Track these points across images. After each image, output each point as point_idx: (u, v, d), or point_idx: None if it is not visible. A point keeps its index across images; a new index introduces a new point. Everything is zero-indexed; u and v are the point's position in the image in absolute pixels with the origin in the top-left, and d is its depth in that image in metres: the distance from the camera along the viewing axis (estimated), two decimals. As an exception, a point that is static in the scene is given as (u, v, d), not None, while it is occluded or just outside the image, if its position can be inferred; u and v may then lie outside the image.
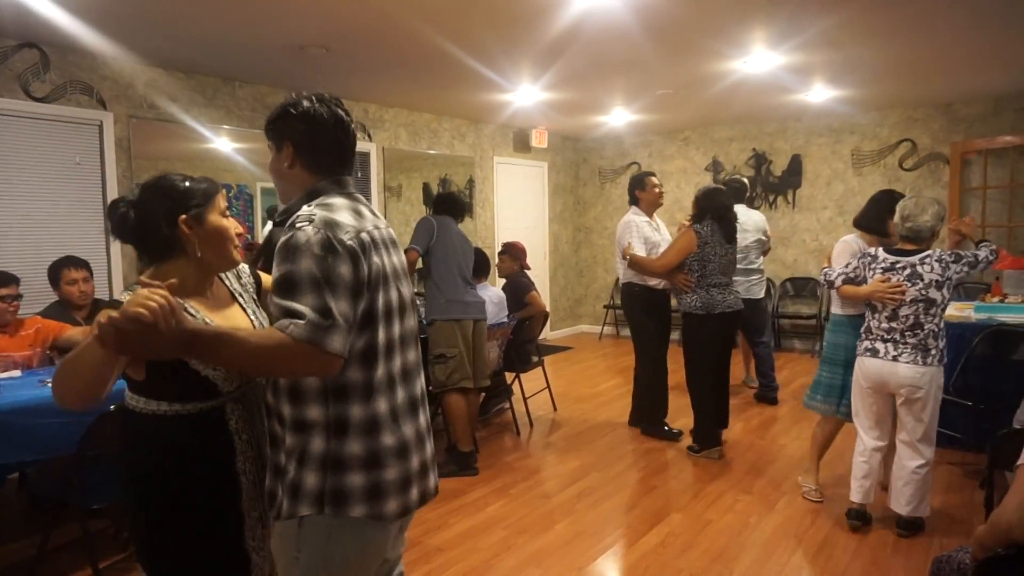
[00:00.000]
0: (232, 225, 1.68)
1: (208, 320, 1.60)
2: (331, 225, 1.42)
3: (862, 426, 3.26)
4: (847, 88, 6.08)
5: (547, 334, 8.61)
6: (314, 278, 1.36)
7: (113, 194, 4.70)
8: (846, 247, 3.56)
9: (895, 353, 3.07)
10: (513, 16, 3.92)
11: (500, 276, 5.46)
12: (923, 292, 3.01)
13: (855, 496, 3.26)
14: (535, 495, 3.79)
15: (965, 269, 3.04)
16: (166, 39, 4.27)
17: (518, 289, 5.16)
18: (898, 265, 3.07)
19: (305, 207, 1.49)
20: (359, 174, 6.43)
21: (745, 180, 5.82)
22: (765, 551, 3.09)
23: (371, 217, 1.58)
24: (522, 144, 8.28)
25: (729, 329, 4.27)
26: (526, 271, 5.39)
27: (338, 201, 1.52)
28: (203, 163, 5.23)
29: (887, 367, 3.08)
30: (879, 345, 3.12)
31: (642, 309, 4.67)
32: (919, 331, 3.03)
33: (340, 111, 1.60)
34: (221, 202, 1.67)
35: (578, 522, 3.44)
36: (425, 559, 3.05)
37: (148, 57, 4.71)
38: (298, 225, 1.42)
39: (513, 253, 5.35)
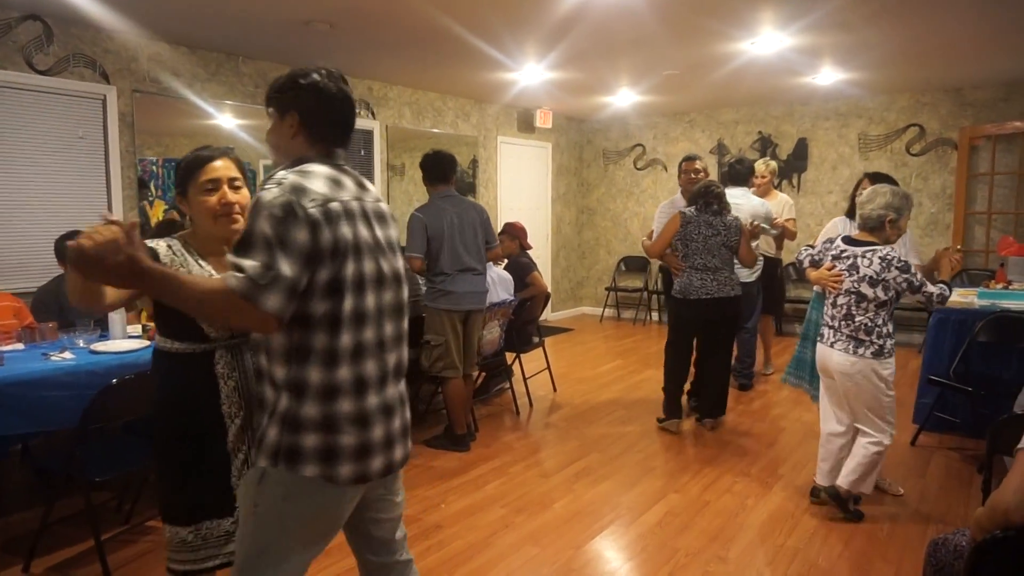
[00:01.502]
0: (212, 199, 1.82)
1: (214, 274, 1.78)
2: (297, 190, 1.44)
3: (822, 411, 3.38)
4: (855, 71, 6.02)
5: (548, 315, 8.62)
6: (266, 238, 1.40)
7: (116, 169, 4.68)
8: (831, 228, 3.66)
9: (833, 340, 3.15)
10: (519, -7, 3.89)
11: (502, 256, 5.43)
12: (855, 285, 3.04)
13: (816, 477, 3.39)
14: (534, 474, 3.82)
15: (904, 285, 2.96)
16: (170, 12, 4.23)
17: (519, 270, 5.15)
18: (844, 254, 3.11)
19: (281, 171, 1.51)
20: (363, 152, 6.40)
21: (753, 163, 5.38)
22: (762, 533, 3.11)
23: (354, 189, 1.58)
24: (526, 124, 8.23)
25: (704, 315, 4.33)
26: (527, 251, 5.37)
27: (318, 169, 1.53)
28: (206, 139, 5.20)
29: (825, 352, 3.19)
30: (825, 330, 3.22)
31: (669, 292, 4.75)
32: (851, 322, 3.08)
33: (346, 88, 1.63)
34: (203, 176, 1.83)
35: (576, 501, 3.46)
36: (424, 536, 3.08)
37: (152, 31, 4.67)
38: (266, 187, 1.46)
39: (512, 233, 5.31)
